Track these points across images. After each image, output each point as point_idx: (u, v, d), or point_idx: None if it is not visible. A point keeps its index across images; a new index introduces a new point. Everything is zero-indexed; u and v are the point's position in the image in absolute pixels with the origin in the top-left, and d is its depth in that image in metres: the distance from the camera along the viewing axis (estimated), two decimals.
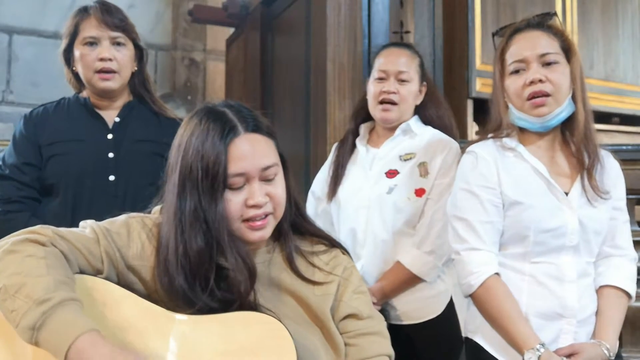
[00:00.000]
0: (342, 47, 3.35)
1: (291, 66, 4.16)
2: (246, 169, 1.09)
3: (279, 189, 1.14)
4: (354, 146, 2.03)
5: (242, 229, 1.11)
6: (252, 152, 1.10)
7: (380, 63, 1.94)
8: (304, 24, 3.92)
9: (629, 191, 2.20)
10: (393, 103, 1.90)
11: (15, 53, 5.16)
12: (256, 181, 1.10)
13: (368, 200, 1.89)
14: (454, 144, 1.90)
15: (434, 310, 1.86)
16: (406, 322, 1.85)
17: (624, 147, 2.47)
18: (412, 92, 1.93)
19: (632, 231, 1.62)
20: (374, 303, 1.77)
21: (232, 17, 5.06)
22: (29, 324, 0.95)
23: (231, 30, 5.33)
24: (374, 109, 1.94)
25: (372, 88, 1.94)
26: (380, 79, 1.92)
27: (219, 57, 5.77)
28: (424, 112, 1.99)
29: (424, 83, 1.99)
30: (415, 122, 1.96)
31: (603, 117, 3.84)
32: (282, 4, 4.38)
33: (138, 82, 1.88)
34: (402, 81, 1.91)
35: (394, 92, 1.90)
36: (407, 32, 3.18)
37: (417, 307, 1.85)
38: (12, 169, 1.77)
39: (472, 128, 3.39)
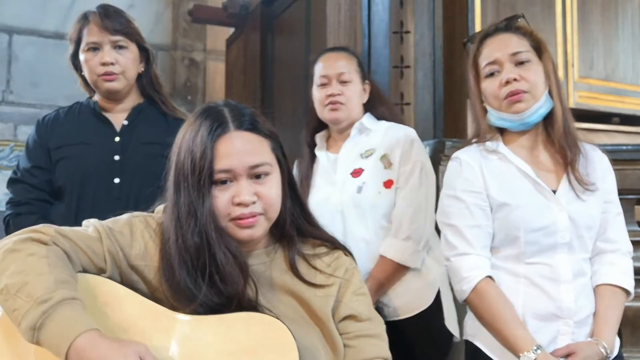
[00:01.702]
0: None
1: (291, 66, 4.16)
2: (232, 165, 1.09)
3: (270, 189, 1.13)
4: (313, 157, 2.05)
5: (230, 227, 1.11)
6: (240, 149, 1.10)
7: (320, 68, 1.98)
8: (304, 24, 3.92)
9: (629, 191, 2.20)
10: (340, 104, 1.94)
11: (15, 53, 5.16)
12: (244, 179, 1.10)
13: (341, 204, 1.90)
14: (409, 130, 1.95)
15: (424, 301, 1.86)
16: (400, 317, 1.85)
17: (624, 147, 2.46)
18: (355, 92, 1.97)
19: (633, 231, 1.61)
20: None
21: (232, 17, 5.06)
22: (30, 324, 0.95)
23: (231, 30, 5.34)
24: (322, 112, 1.97)
25: (317, 94, 1.98)
26: (323, 84, 1.96)
27: (219, 57, 5.78)
28: (375, 111, 2.03)
29: (367, 82, 2.02)
30: (368, 119, 1.99)
31: (603, 117, 3.82)
32: (282, 4, 4.38)
33: (146, 83, 1.89)
34: (344, 82, 1.95)
35: (338, 94, 1.93)
36: (407, 32, 3.17)
37: (408, 300, 1.85)
38: (24, 173, 1.82)
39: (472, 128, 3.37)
